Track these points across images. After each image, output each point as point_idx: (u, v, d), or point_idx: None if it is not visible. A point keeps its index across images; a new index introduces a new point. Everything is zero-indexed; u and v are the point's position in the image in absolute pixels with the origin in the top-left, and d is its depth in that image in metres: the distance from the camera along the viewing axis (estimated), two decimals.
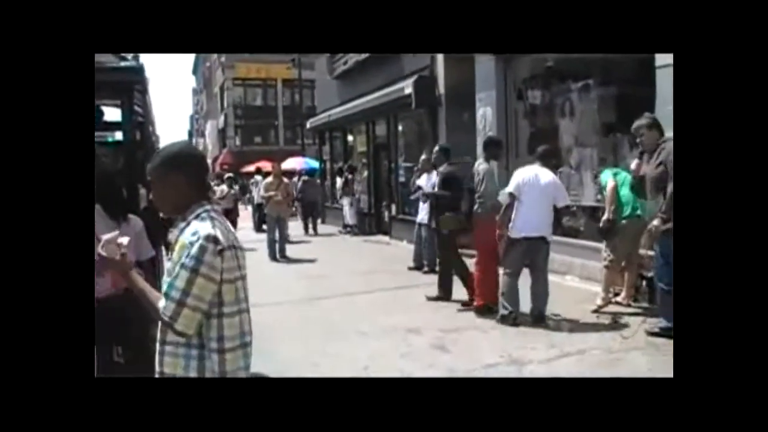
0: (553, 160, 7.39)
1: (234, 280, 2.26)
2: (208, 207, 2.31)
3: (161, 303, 2.18)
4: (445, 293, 8.07)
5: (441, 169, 8.33)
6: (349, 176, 17.34)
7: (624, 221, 6.94)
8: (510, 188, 6.88)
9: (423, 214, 10.03)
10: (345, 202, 17.40)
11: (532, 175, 6.85)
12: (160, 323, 2.24)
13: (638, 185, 6.22)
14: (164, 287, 2.19)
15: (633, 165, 6.27)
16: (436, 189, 8.34)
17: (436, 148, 8.82)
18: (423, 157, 10.93)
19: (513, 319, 6.70)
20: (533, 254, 6.83)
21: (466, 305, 7.64)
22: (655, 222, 5.65)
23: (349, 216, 17.27)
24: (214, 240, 2.17)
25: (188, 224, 2.25)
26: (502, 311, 6.80)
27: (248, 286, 2.38)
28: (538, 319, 6.73)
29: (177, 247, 2.21)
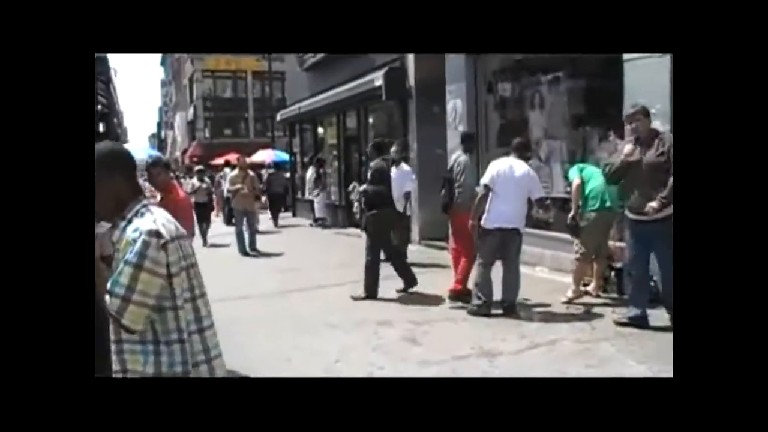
0: (528, 152, 7.43)
1: (181, 271, 2.23)
2: (144, 202, 2.28)
3: (106, 299, 2.14)
4: (408, 282, 8.11)
5: (371, 164, 8.43)
6: (320, 170, 17.26)
7: (593, 214, 7.01)
8: (485, 180, 6.91)
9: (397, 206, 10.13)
10: (315, 194, 17.29)
11: (507, 167, 6.89)
12: (111, 323, 2.21)
13: (623, 170, 5.90)
14: (108, 284, 2.15)
15: (626, 149, 5.88)
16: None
17: (370, 144, 9.01)
18: (393, 149, 10.89)
19: (487, 309, 6.76)
20: (506, 245, 6.87)
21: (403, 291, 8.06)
22: (654, 204, 5.55)
23: (318, 209, 17.20)
24: (156, 234, 2.15)
25: (129, 222, 2.22)
26: (476, 301, 6.85)
27: (202, 273, 2.36)
28: (509, 309, 6.78)
29: (122, 246, 2.18)
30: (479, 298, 6.83)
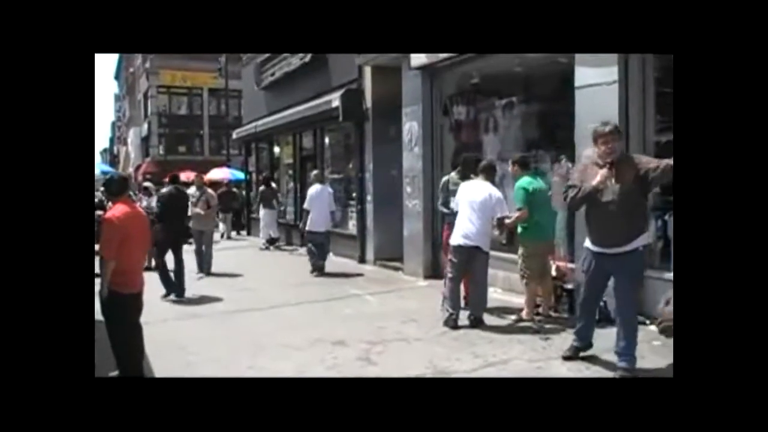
0: (493, 174, 7.67)
1: None
2: None
3: None
4: (168, 288, 9.40)
5: (162, 190, 10.59)
6: (262, 188, 17.18)
7: (533, 244, 7.27)
8: (455, 201, 7.49)
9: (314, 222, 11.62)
10: (262, 214, 16.88)
11: (473, 188, 7.35)
12: None
13: (590, 198, 5.26)
14: None
15: (602, 174, 5.15)
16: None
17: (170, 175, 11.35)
18: (314, 172, 12.83)
19: (454, 321, 7.14)
20: (471, 262, 7.25)
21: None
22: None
23: (263, 228, 16.79)
24: None
25: None
26: (444, 313, 7.26)
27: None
28: (476, 323, 7.14)
29: None
30: (447, 311, 7.24)
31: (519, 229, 7.37)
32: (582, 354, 5.75)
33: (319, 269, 11.61)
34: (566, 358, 5.74)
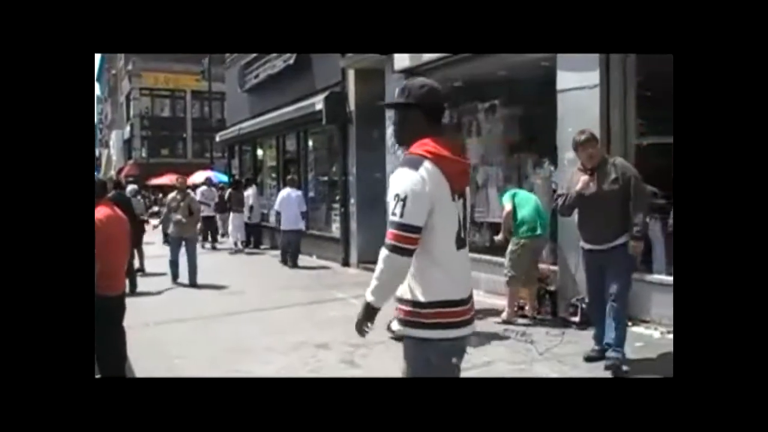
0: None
1: None
2: None
3: None
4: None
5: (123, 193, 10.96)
6: (230, 191, 17.19)
7: (523, 240, 7.28)
8: None
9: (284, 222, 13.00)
10: (231, 218, 16.74)
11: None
12: None
13: (577, 202, 5.64)
14: None
15: (583, 180, 5.55)
16: None
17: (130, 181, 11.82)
18: (289, 176, 14.25)
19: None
20: None
21: None
22: (633, 243, 5.36)
23: (231, 230, 16.73)
24: None
25: None
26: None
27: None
28: None
29: None
30: None
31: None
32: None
33: (285, 261, 13.15)
34: (588, 359, 5.69)
